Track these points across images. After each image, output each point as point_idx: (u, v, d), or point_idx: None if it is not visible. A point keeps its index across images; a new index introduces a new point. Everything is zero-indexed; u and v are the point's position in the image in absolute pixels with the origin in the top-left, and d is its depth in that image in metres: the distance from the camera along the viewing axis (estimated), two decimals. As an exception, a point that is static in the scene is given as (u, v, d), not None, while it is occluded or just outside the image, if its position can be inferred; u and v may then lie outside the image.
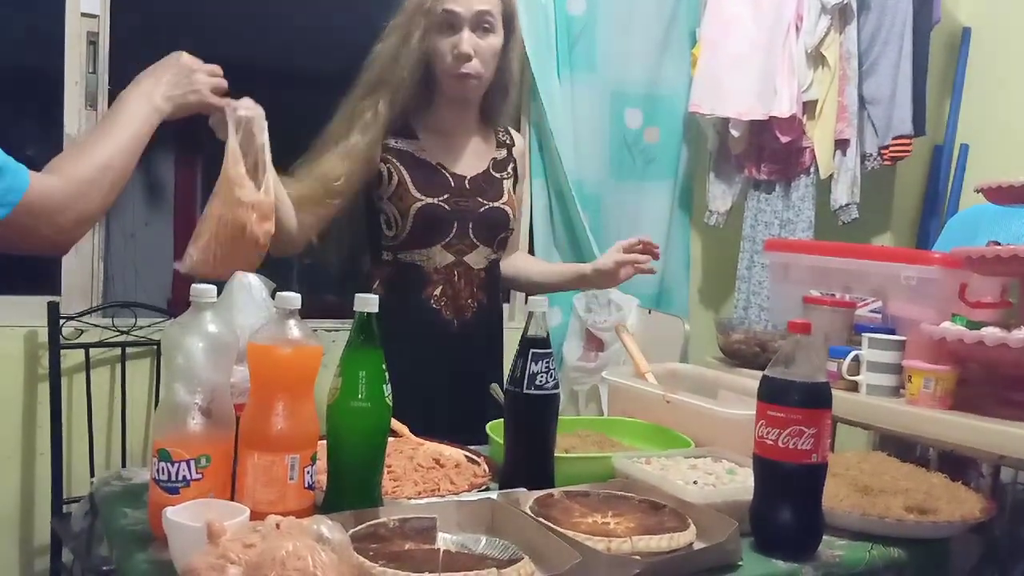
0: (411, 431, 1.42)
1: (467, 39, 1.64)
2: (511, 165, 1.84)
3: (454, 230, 1.71)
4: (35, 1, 2.32)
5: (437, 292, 1.72)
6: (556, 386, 1.22)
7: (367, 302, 1.08)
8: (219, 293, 1.15)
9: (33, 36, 2.31)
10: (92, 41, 2.24)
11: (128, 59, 2.35)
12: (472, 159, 1.78)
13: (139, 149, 1.20)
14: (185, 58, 1.30)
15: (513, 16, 1.73)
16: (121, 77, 2.27)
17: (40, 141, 2.43)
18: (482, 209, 1.74)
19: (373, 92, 1.69)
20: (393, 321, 1.65)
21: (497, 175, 1.80)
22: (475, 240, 1.74)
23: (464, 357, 1.73)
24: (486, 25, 1.66)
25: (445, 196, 1.71)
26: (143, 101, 1.22)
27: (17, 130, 2.63)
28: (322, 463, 1.11)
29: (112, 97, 2.26)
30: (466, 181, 1.75)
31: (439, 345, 1.71)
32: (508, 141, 1.86)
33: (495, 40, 1.68)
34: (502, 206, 1.77)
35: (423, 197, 1.69)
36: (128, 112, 1.21)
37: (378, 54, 1.70)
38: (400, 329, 1.66)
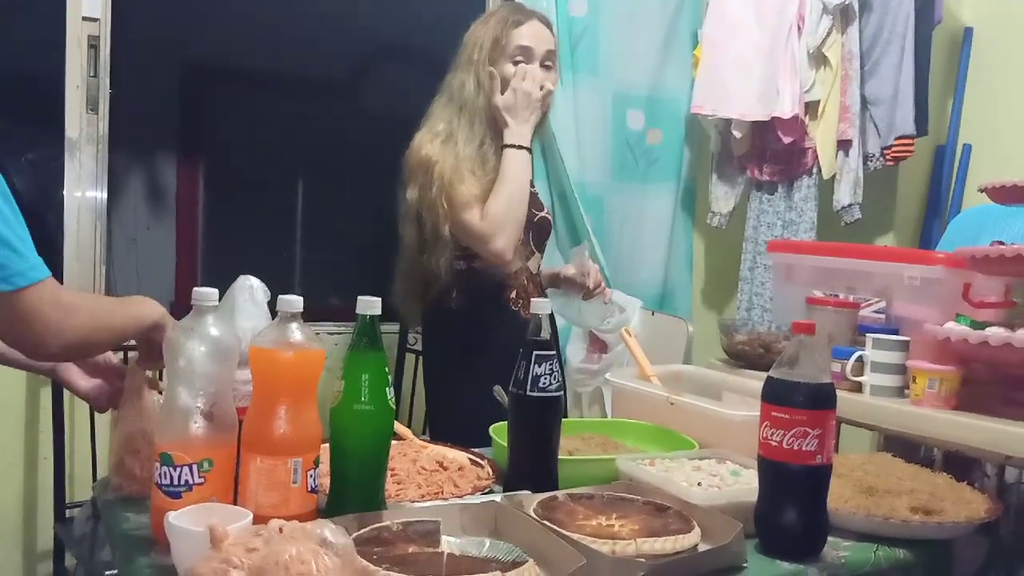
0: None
1: (538, 72, 1.73)
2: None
3: (521, 236, 1.76)
4: (36, 5, 2.31)
5: (513, 295, 1.78)
6: (560, 388, 1.22)
7: (370, 304, 1.08)
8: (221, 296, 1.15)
9: (34, 40, 2.31)
10: (93, 45, 2.23)
11: (129, 63, 2.35)
12: None
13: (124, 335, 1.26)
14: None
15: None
16: (122, 80, 2.28)
17: (41, 144, 2.43)
18: (536, 219, 1.83)
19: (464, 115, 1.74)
20: (480, 330, 1.70)
21: (531, 189, 1.85)
22: (532, 247, 1.83)
23: None
24: (548, 63, 1.76)
25: None
26: (154, 307, 1.26)
27: (19, 133, 2.63)
28: (325, 467, 1.11)
29: (113, 101, 2.26)
30: None
31: None
32: None
33: (555, 77, 1.78)
34: (546, 215, 1.88)
35: None
36: (141, 304, 1.27)
37: (462, 85, 1.75)
38: (490, 337, 1.70)
